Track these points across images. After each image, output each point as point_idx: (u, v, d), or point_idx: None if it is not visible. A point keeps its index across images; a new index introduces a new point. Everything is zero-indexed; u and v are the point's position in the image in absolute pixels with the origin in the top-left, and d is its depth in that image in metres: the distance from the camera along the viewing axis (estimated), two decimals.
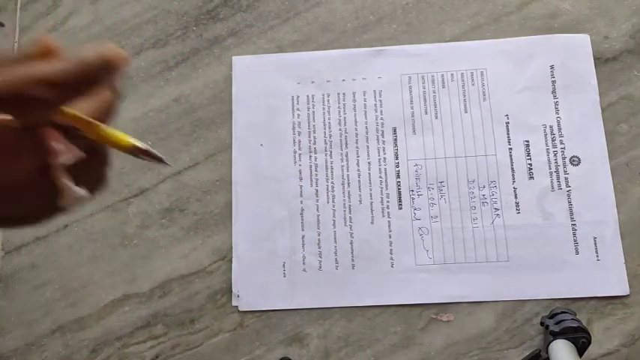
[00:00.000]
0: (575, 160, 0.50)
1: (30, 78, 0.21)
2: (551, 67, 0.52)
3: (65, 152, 0.23)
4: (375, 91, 0.53)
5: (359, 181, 0.51)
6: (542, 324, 0.47)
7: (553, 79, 0.52)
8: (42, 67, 0.21)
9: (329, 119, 0.53)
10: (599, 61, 0.52)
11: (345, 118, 0.53)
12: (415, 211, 0.50)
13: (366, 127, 0.52)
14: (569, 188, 0.50)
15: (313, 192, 0.51)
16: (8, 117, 0.22)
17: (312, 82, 0.54)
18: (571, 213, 0.49)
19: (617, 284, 0.48)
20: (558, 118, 0.51)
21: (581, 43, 0.52)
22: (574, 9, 0.54)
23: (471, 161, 0.51)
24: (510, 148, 0.51)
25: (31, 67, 0.21)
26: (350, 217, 0.51)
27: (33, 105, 0.21)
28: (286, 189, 0.52)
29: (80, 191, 0.24)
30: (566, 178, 0.50)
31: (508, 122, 0.51)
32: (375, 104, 0.53)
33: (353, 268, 0.50)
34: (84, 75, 0.22)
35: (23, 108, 0.21)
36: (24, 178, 0.23)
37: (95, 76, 0.22)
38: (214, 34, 0.56)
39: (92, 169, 0.24)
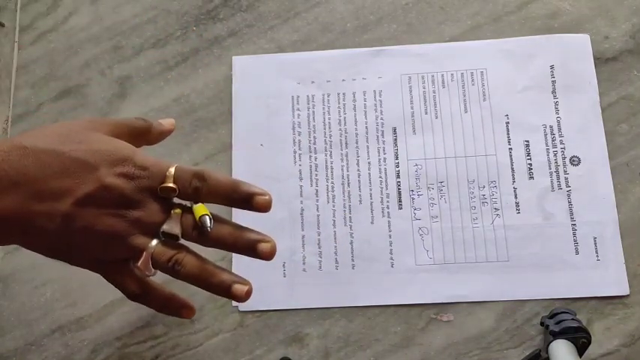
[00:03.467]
0: (575, 160, 0.50)
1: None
2: (551, 67, 0.52)
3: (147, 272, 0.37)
4: (375, 91, 0.53)
5: (359, 181, 0.51)
6: (542, 324, 0.47)
7: (553, 79, 0.52)
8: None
9: (329, 119, 0.53)
10: (599, 61, 0.52)
11: (345, 118, 0.53)
12: (415, 211, 0.50)
13: (366, 127, 0.52)
14: (569, 188, 0.50)
15: (313, 192, 0.51)
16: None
17: (312, 82, 0.54)
18: (571, 213, 0.49)
19: (617, 284, 0.48)
20: (558, 118, 0.51)
21: (581, 43, 0.53)
22: (574, 9, 0.54)
23: (470, 161, 0.51)
24: (510, 148, 0.51)
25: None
26: (350, 217, 0.51)
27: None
28: (286, 189, 0.52)
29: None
30: (566, 178, 0.50)
31: (508, 122, 0.51)
32: (375, 104, 0.53)
33: (353, 268, 0.50)
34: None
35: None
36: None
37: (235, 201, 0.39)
38: (214, 34, 0.56)
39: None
